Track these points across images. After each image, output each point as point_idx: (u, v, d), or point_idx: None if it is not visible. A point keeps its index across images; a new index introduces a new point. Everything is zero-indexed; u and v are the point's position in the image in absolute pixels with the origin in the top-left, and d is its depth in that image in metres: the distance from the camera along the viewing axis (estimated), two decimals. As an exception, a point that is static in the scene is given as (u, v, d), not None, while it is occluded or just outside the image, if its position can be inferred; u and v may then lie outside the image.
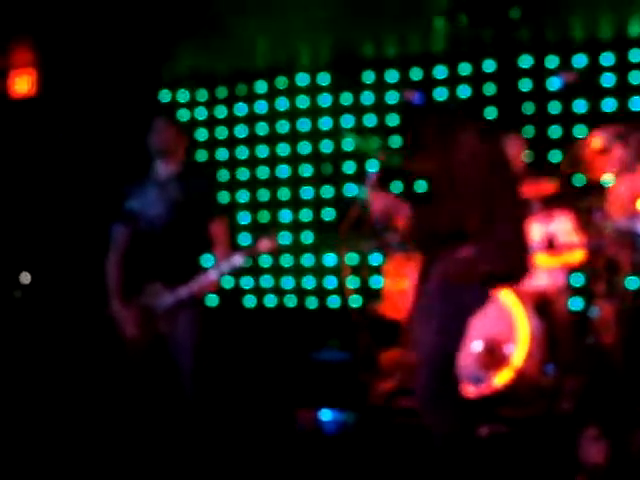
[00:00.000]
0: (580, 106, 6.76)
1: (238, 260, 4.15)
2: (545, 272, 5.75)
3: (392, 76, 7.33)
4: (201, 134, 7.94)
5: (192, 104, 7.96)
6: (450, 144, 3.59)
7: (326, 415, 5.09)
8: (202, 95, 7.93)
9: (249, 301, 7.85)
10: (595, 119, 6.65)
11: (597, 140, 5.86)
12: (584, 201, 5.86)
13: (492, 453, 4.34)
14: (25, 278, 7.17)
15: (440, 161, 3.61)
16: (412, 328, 3.81)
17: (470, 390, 5.07)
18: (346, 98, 7.46)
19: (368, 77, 7.40)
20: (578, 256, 5.75)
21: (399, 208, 3.61)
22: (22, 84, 7.20)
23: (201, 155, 7.92)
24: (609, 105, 6.70)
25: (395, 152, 6.76)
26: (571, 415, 4.87)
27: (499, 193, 3.58)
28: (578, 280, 6.50)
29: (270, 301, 7.78)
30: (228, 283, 7.79)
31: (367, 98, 7.42)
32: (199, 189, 4.31)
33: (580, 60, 6.75)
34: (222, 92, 7.86)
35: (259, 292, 7.84)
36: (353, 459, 4.54)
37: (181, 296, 4.16)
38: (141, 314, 4.22)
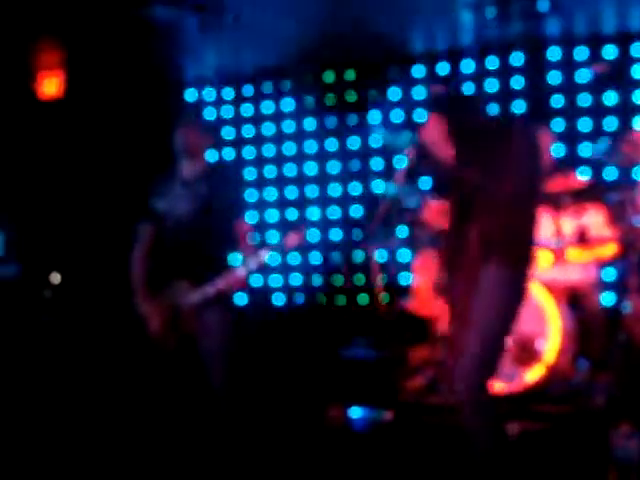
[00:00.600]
0: (611, 98, 6.66)
1: (264, 256, 4.14)
2: (577, 266, 5.68)
3: (419, 71, 7.29)
4: (228, 132, 7.94)
5: (218, 102, 7.96)
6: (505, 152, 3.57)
7: (356, 412, 5.06)
8: (228, 93, 7.93)
9: (278, 299, 7.84)
10: (626, 111, 6.56)
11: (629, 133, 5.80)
12: (615, 194, 5.78)
13: (524, 450, 4.29)
14: (55, 278, 7.21)
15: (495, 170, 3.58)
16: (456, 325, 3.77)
17: (502, 387, 5.02)
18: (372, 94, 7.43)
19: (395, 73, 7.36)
20: (610, 250, 5.67)
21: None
22: (50, 86, 7.24)
23: (228, 153, 7.92)
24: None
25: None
26: (603, 411, 4.80)
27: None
28: (610, 275, 6.41)
29: (299, 299, 7.76)
30: (257, 281, 7.78)
31: (394, 94, 7.38)
32: (225, 188, 4.30)
33: (610, 52, 6.66)
34: (248, 90, 7.86)
35: (288, 290, 7.83)
36: (383, 457, 4.52)
37: (208, 294, 4.16)
38: (166, 312, 4.22)
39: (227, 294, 4.23)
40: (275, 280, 7.83)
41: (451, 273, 3.74)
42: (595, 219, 5.74)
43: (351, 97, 7.52)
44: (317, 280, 7.71)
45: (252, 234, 4.34)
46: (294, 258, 7.72)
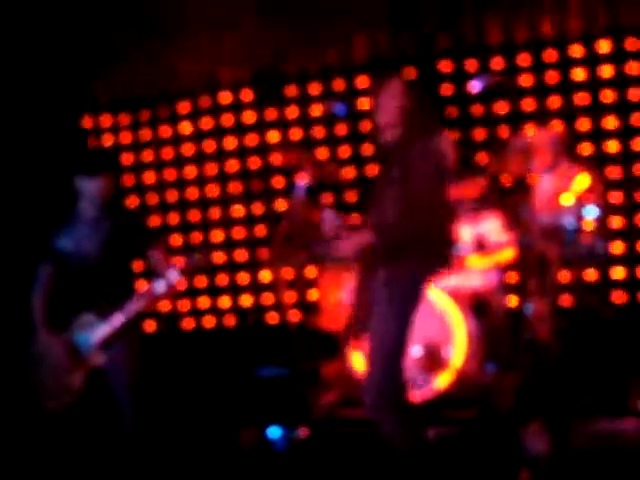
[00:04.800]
0: (502, 107, 6.86)
1: (174, 276, 4.16)
2: (478, 272, 5.82)
3: (315, 89, 7.36)
4: (127, 158, 7.85)
5: (115, 128, 7.87)
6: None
7: (271, 432, 5.05)
8: (125, 119, 7.85)
9: (187, 323, 7.78)
10: (517, 120, 6.77)
11: (521, 140, 6.00)
12: (511, 200, 5.97)
13: (439, 455, 4.36)
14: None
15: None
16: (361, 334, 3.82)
17: (413, 395, 5.09)
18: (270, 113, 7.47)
19: (291, 91, 7.42)
20: (509, 255, 5.84)
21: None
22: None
23: (128, 179, 7.83)
24: (529, 105, 6.81)
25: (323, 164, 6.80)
26: (513, 411, 4.93)
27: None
28: (511, 278, 6.58)
29: (208, 322, 7.72)
30: (165, 307, 7.70)
31: (291, 112, 7.43)
32: (128, 225, 4.37)
33: (498, 62, 6.87)
34: (145, 114, 7.79)
35: (197, 314, 7.77)
36: (300, 474, 4.52)
37: (116, 324, 4.14)
38: (72, 347, 4.20)
39: (135, 323, 4.23)
40: (183, 304, 7.75)
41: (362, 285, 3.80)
42: (493, 225, 5.90)
43: (250, 118, 7.54)
44: (225, 302, 7.68)
45: (165, 259, 4.34)
46: (201, 281, 7.67)
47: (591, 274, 6.56)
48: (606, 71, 6.64)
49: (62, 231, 4.37)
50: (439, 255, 3.72)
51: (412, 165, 3.60)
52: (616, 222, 6.62)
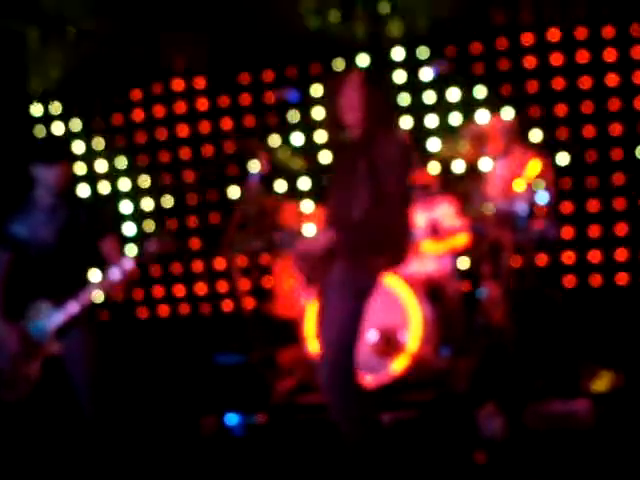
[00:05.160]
0: (453, 95, 6.92)
1: (129, 264, 4.15)
2: (432, 258, 5.89)
3: (268, 76, 7.35)
4: (78, 147, 7.76)
5: (67, 116, 7.77)
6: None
7: (230, 418, 5.06)
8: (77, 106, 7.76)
9: (142, 312, 7.73)
10: (468, 107, 6.83)
11: (473, 127, 6.07)
12: (463, 186, 6.04)
13: (396, 438, 4.42)
14: None
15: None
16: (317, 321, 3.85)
17: (370, 379, 5.14)
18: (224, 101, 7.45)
19: (245, 78, 7.40)
20: (462, 240, 5.91)
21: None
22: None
23: (80, 168, 7.74)
24: (480, 93, 6.88)
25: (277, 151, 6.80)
26: (468, 394, 5.00)
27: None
28: (464, 263, 6.66)
29: (163, 310, 7.68)
30: (119, 295, 7.64)
31: (245, 99, 7.42)
32: (85, 214, 4.33)
33: (449, 50, 6.92)
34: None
35: (151, 302, 7.73)
36: (259, 460, 4.54)
37: (71, 312, 4.12)
38: (28, 335, 4.17)
39: (91, 312, 4.21)
40: (138, 292, 7.71)
41: (318, 274, 3.82)
42: (446, 211, 5.97)
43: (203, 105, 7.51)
44: (180, 290, 7.65)
45: (118, 248, 4.35)
46: (156, 269, 7.63)
47: (542, 259, 6.67)
48: (557, 59, 6.74)
49: (17, 218, 4.31)
50: (401, 250, 3.76)
51: (380, 161, 3.61)
52: (566, 208, 6.74)
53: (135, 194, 7.70)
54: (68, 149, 6.61)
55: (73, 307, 4.14)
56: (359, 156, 3.67)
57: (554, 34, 6.73)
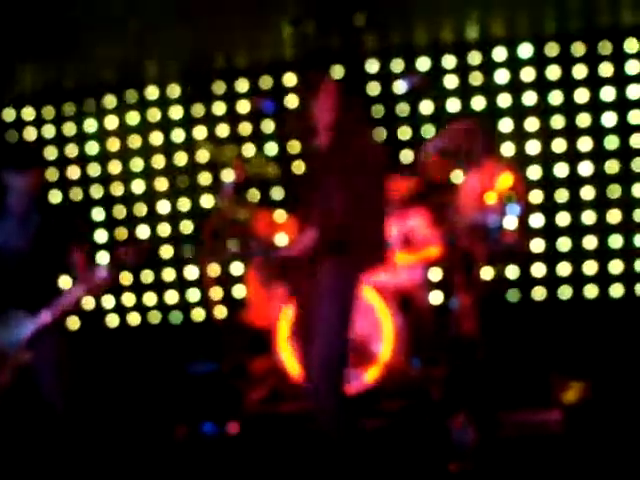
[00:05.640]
0: (427, 107, 6.99)
1: (101, 273, 4.14)
2: (404, 269, 5.92)
3: (243, 85, 7.37)
4: (50, 152, 7.71)
5: (39, 122, 7.74)
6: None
7: (203, 428, 5.04)
8: (49, 112, 7.72)
9: (112, 320, 7.69)
10: (441, 119, 6.90)
11: (441, 141, 6.12)
12: (436, 198, 6.08)
13: (370, 446, 4.43)
14: None
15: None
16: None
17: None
18: (198, 109, 7.45)
19: (219, 87, 7.41)
20: (435, 251, 5.95)
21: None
22: None
23: (52, 174, 7.69)
24: (453, 106, 6.96)
25: (251, 160, 6.81)
26: (440, 404, 5.04)
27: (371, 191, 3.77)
28: (436, 274, 6.71)
29: (133, 319, 7.65)
30: (89, 304, 7.61)
31: (219, 108, 7.42)
32: (56, 220, 4.31)
33: (424, 63, 6.99)
34: (70, 108, 7.67)
35: (121, 310, 7.70)
36: (231, 469, 4.53)
37: (43, 322, 4.11)
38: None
39: (60, 321, 4.19)
40: (108, 301, 7.67)
41: (297, 278, 3.85)
42: (419, 222, 6.01)
43: (177, 113, 7.50)
44: (151, 298, 7.63)
45: (85, 258, 4.34)
46: (126, 278, 7.60)
47: (513, 271, 6.75)
48: (528, 74, 6.83)
49: None
50: (378, 251, 3.82)
51: (350, 161, 3.67)
52: (537, 221, 6.82)
53: (108, 201, 7.67)
54: (40, 155, 6.58)
55: (45, 317, 4.12)
56: (331, 159, 3.74)
57: (525, 49, 6.82)
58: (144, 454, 4.79)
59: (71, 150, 7.71)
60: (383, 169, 3.84)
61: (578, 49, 6.75)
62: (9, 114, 7.73)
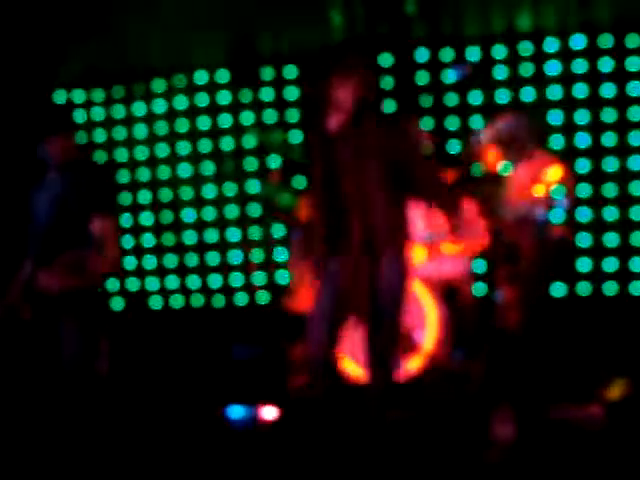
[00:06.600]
0: (475, 98, 6.93)
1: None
2: (449, 260, 5.89)
3: (290, 71, 7.36)
4: (99, 135, 7.79)
5: (88, 104, 7.81)
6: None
7: (244, 412, 5.08)
8: (99, 95, 7.79)
9: (155, 303, 7.76)
10: (490, 110, 6.84)
11: (491, 132, 6.07)
12: (484, 189, 6.04)
13: (407, 436, 4.43)
14: None
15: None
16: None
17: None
18: (245, 95, 7.46)
19: (267, 73, 7.41)
20: (480, 243, 5.90)
21: None
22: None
23: (100, 156, 7.77)
24: (503, 97, 6.89)
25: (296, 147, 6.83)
26: (480, 396, 5.01)
27: None
28: (481, 266, 6.66)
29: (176, 302, 7.71)
30: (133, 285, 7.69)
31: (266, 94, 7.43)
32: (79, 184, 4.21)
33: (474, 53, 6.93)
34: (119, 91, 7.74)
35: (165, 293, 7.76)
36: (271, 454, 4.55)
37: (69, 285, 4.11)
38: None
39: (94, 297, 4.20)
40: (151, 283, 7.74)
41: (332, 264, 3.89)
42: (465, 213, 5.96)
43: (225, 98, 7.53)
44: (194, 282, 7.67)
45: (112, 234, 4.23)
46: (170, 260, 7.66)
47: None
48: (580, 66, 6.75)
49: (33, 194, 4.35)
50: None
51: (364, 143, 3.76)
52: (585, 215, 6.74)
53: (154, 185, 7.73)
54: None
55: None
56: (351, 140, 3.79)
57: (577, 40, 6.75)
58: (185, 437, 4.83)
59: (119, 133, 7.78)
60: (396, 148, 3.86)
61: (632, 41, 6.65)
62: (60, 96, 7.81)
